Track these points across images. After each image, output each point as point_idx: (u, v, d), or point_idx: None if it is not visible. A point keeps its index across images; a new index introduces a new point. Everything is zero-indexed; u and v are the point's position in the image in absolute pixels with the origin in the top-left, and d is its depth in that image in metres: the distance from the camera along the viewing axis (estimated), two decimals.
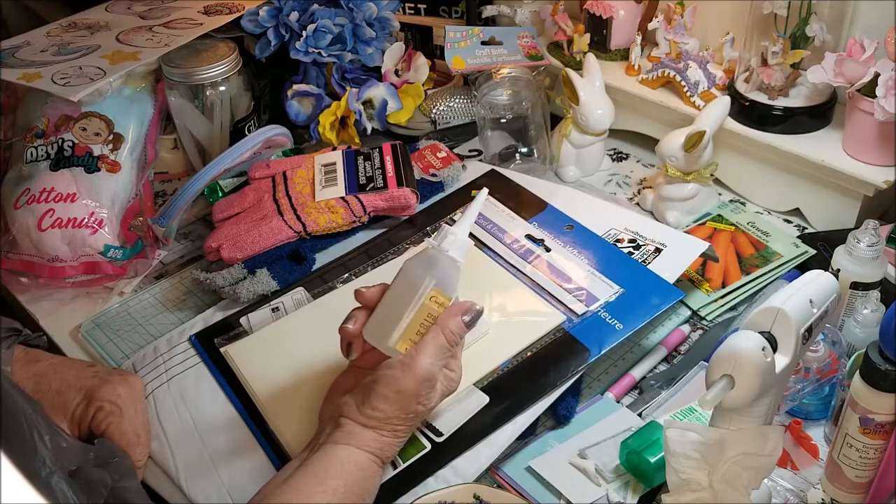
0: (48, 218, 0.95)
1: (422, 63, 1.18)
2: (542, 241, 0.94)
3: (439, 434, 0.75)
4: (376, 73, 1.16)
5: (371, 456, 0.68)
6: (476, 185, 1.05)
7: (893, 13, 0.93)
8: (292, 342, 0.84)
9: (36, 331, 0.90)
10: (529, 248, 0.94)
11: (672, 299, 0.85)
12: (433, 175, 1.06)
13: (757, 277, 0.94)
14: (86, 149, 1.00)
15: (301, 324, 0.87)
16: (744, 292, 0.93)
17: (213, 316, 0.91)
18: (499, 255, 0.93)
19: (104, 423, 0.75)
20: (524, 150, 1.12)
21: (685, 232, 0.99)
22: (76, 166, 0.99)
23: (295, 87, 1.13)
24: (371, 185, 1.00)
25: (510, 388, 0.78)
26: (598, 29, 1.17)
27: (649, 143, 1.13)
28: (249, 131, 1.11)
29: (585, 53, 1.12)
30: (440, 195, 1.05)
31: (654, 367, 0.87)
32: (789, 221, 1.05)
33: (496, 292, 0.88)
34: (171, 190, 1.15)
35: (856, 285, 0.82)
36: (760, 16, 1.01)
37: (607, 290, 0.87)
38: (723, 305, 0.92)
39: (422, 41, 1.31)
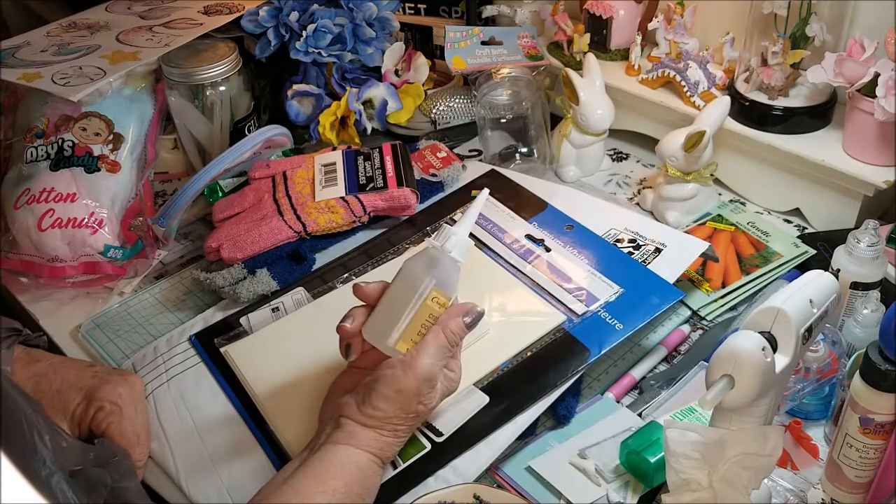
0: (48, 218, 0.95)
1: (422, 63, 1.18)
2: (542, 241, 0.94)
3: (439, 434, 0.75)
4: (376, 73, 1.16)
5: (371, 456, 0.68)
6: (476, 185, 1.05)
7: (893, 13, 0.93)
8: (292, 342, 0.84)
9: (36, 331, 0.90)
10: (529, 248, 0.94)
11: (672, 299, 0.85)
12: (433, 175, 1.06)
13: (757, 277, 0.94)
14: (86, 149, 1.00)
15: (301, 324, 0.87)
16: (744, 292, 0.93)
17: (213, 316, 0.91)
18: (499, 255, 0.93)
19: (104, 422, 0.75)
20: (524, 150, 1.12)
21: (685, 232, 0.99)
22: (76, 166, 0.99)
23: (295, 87, 1.13)
24: (371, 185, 1.00)
25: (510, 388, 0.78)
26: (598, 29, 1.17)
27: (649, 143, 1.13)
28: (249, 131, 1.11)
29: (585, 53, 1.12)
30: (440, 195, 1.05)
31: (654, 367, 0.87)
32: (789, 221, 1.05)
33: (496, 292, 0.88)
34: (171, 190, 1.15)
35: (856, 285, 0.82)
36: (760, 16, 1.01)
37: (607, 290, 0.87)
38: (723, 305, 0.92)
39: (422, 41, 1.31)
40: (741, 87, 1.05)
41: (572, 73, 1.08)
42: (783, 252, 0.97)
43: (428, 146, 1.11)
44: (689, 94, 1.07)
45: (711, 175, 1.02)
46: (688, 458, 0.64)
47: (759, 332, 0.62)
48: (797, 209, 1.04)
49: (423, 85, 1.18)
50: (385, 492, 0.71)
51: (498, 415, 0.77)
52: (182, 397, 0.82)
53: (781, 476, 0.75)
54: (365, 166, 1.03)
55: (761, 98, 1.02)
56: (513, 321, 0.85)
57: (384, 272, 0.92)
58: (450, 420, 0.76)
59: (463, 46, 1.16)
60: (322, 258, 0.97)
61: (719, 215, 1.04)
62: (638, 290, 0.86)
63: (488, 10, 1.24)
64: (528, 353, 0.81)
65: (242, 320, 0.89)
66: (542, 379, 0.79)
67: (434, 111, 1.20)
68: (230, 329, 0.88)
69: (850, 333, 0.81)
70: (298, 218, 0.96)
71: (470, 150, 1.20)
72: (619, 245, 0.93)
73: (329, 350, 0.81)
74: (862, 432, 0.67)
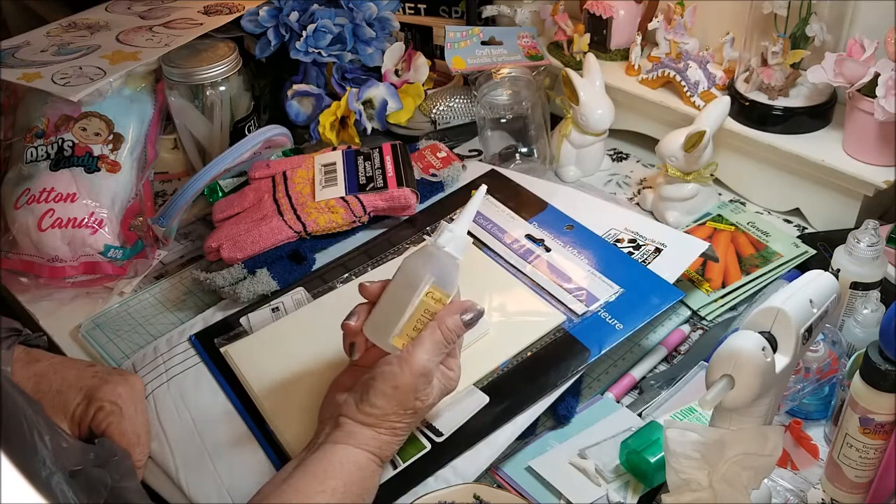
0: (48, 218, 0.95)
1: (422, 63, 1.18)
2: (542, 241, 0.94)
3: (439, 434, 0.75)
4: (376, 73, 1.16)
5: (370, 455, 0.68)
6: (476, 185, 1.05)
7: (893, 13, 0.93)
8: (292, 342, 0.84)
9: (36, 331, 0.90)
10: (529, 248, 0.94)
11: (672, 299, 0.85)
12: (433, 175, 1.06)
13: (757, 277, 0.94)
14: (86, 149, 1.00)
15: (301, 324, 0.87)
16: (744, 292, 0.93)
17: (213, 316, 0.91)
18: (499, 255, 0.93)
19: (104, 422, 0.75)
20: (524, 150, 1.12)
21: (685, 232, 0.99)
22: (76, 166, 0.99)
23: (295, 87, 1.13)
24: (371, 185, 1.00)
25: (510, 388, 0.78)
26: (598, 29, 1.17)
27: (649, 143, 1.13)
28: (249, 131, 1.11)
29: (585, 53, 1.13)
30: (440, 195, 1.05)
31: (654, 367, 0.87)
32: (789, 221, 1.05)
33: (496, 292, 0.88)
34: (171, 190, 1.15)
35: (856, 285, 0.82)
36: (760, 16, 1.01)
37: (607, 290, 0.87)
38: (723, 305, 0.92)
39: (422, 41, 1.31)
40: (741, 87, 1.05)
41: (572, 73, 1.08)
42: (783, 252, 0.97)
43: (428, 146, 1.11)
44: (689, 94, 1.07)
45: (711, 175, 1.02)
46: (688, 458, 0.64)
47: (759, 332, 0.62)
48: (797, 209, 1.04)
49: (423, 85, 1.18)
50: (385, 492, 0.72)
51: (498, 415, 0.77)
52: (182, 397, 0.82)
53: (781, 476, 0.75)
54: (365, 166, 1.03)
55: (761, 98, 1.02)
56: (513, 321, 0.85)
57: (384, 272, 0.92)
58: (450, 420, 0.76)
59: (463, 46, 1.16)
60: (322, 258, 0.97)
61: (719, 215, 1.04)
62: (638, 290, 0.86)
63: (488, 10, 1.24)
64: (528, 353, 0.81)
65: (242, 320, 0.89)
66: (542, 379, 0.79)
67: (434, 111, 1.20)
68: (230, 329, 0.88)
69: (850, 333, 0.81)
70: (298, 218, 0.96)
71: (470, 150, 1.20)
72: (619, 245, 0.93)
73: (329, 350, 0.82)
74: (862, 432, 0.67)
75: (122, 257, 0.98)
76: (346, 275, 0.93)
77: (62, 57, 1.07)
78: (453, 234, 0.71)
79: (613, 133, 1.14)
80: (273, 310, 0.90)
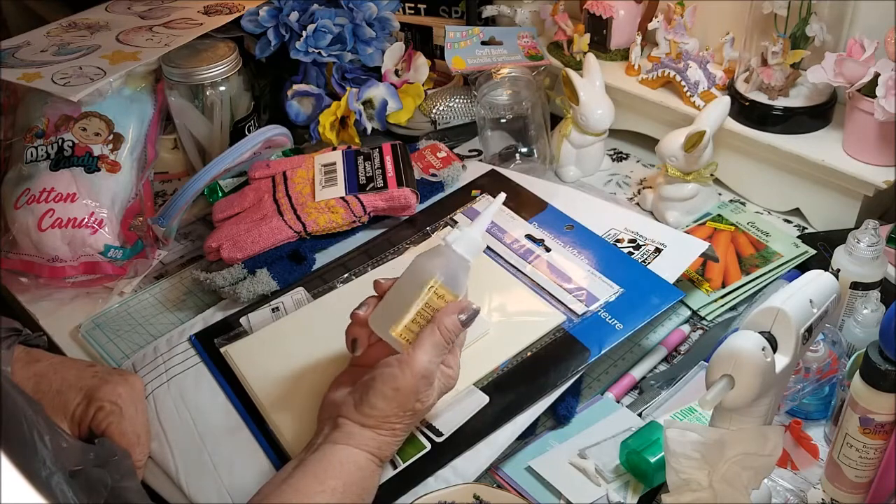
0: (48, 218, 0.95)
1: (422, 63, 1.18)
2: (542, 241, 0.94)
3: (439, 434, 0.75)
4: (376, 73, 1.16)
5: (369, 455, 0.68)
6: (476, 185, 1.05)
7: (893, 13, 0.93)
8: (292, 342, 0.84)
9: (36, 331, 0.90)
10: (529, 248, 0.94)
11: (672, 299, 0.85)
12: (433, 175, 1.06)
13: (757, 277, 0.94)
14: (86, 149, 1.00)
15: (301, 324, 0.87)
16: (744, 292, 0.93)
17: (213, 316, 0.91)
18: (499, 255, 0.93)
19: (104, 422, 0.75)
20: (524, 150, 1.12)
21: (685, 232, 0.99)
22: (76, 166, 0.99)
23: (295, 87, 1.13)
24: (371, 185, 1.00)
25: (510, 388, 0.78)
26: (598, 29, 1.17)
27: (649, 143, 1.13)
28: (249, 131, 1.11)
29: (585, 53, 1.12)
30: (440, 195, 1.05)
31: (654, 367, 0.87)
32: (789, 221, 1.05)
33: (496, 292, 0.88)
34: (171, 190, 1.15)
35: (856, 285, 0.82)
36: (760, 16, 1.01)
37: (607, 290, 0.87)
38: (723, 305, 0.92)
39: (422, 41, 1.31)
40: (741, 87, 1.05)
41: (572, 73, 1.08)
42: (783, 252, 0.97)
43: (428, 146, 1.11)
44: (689, 94, 1.07)
45: (711, 175, 1.02)
46: (688, 458, 0.64)
47: (759, 332, 0.62)
48: (797, 209, 1.04)
49: (423, 85, 1.18)
50: (385, 492, 0.72)
51: (498, 415, 0.76)
52: (182, 397, 0.82)
53: (781, 476, 0.75)
54: (365, 166, 1.03)
55: (761, 98, 1.02)
56: (513, 321, 0.85)
57: (384, 272, 0.92)
58: (450, 420, 0.76)
59: (463, 46, 1.16)
60: (322, 258, 0.97)
61: (719, 215, 1.04)
62: (638, 290, 0.86)
63: (488, 10, 1.24)
64: (528, 353, 0.81)
65: (242, 320, 0.89)
66: (542, 379, 0.79)
67: (434, 111, 1.20)
68: (230, 329, 0.88)
69: (850, 333, 0.81)
70: (298, 218, 0.96)
71: (470, 150, 1.20)
72: (619, 245, 0.93)
73: (329, 350, 0.82)
74: (862, 432, 0.67)
75: (122, 257, 0.98)
76: (346, 275, 0.93)
77: (62, 57, 1.07)
78: (466, 236, 0.71)
79: (613, 133, 1.14)
80: (273, 310, 0.90)
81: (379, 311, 0.71)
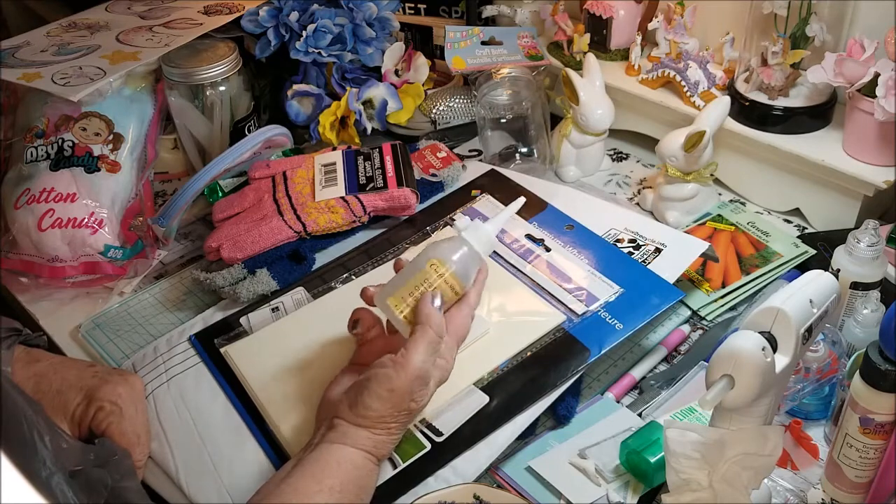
0: (48, 218, 0.95)
1: (422, 63, 1.18)
2: (542, 240, 0.94)
3: (439, 434, 0.75)
4: (376, 73, 1.16)
5: (366, 454, 0.68)
6: (476, 185, 1.05)
7: (893, 13, 0.93)
8: (292, 342, 0.84)
9: (36, 331, 0.90)
10: (529, 247, 0.94)
11: (672, 299, 0.85)
12: (433, 175, 1.06)
13: (757, 277, 0.94)
14: (86, 149, 1.00)
15: (301, 324, 0.87)
16: (744, 292, 0.93)
17: (213, 316, 0.91)
18: (499, 254, 0.93)
19: (104, 422, 0.75)
20: (524, 150, 1.13)
21: (685, 232, 0.99)
22: (76, 166, 0.99)
23: (295, 87, 1.13)
24: (371, 185, 1.00)
25: (510, 388, 0.78)
26: (598, 29, 1.17)
27: (649, 143, 1.13)
28: (249, 131, 1.11)
29: (585, 53, 1.13)
30: (440, 195, 1.05)
31: (654, 367, 0.87)
32: (789, 221, 1.05)
33: (496, 292, 0.88)
34: (171, 190, 1.15)
35: (856, 285, 0.82)
36: (760, 16, 1.01)
37: (607, 290, 0.87)
38: (723, 305, 0.92)
39: (422, 41, 1.31)
40: (741, 87, 1.05)
41: (572, 73, 1.08)
42: (783, 252, 0.97)
43: (428, 146, 1.11)
44: (689, 94, 1.07)
45: (711, 175, 1.02)
46: (688, 458, 0.64)
47: (759, 332, 0.62)
48: (797, 209, 1.04)
49: (423, 85, 1.18)
50: (385, 492, 0.71)
51: (498, 415, 0.76)
52: (182, 397, 0.82)
53: (781, 476, 0.75)
54: (365, 166, 1.03)
55: (761, 98, 1.02)
56: (513, 321, 0.85)
57: (384, 272, 0.92)
58: (450, 420, 0.76)
59: (463, 46, 1.16)
60: (322, 258, 0.97)
61: (719, 215, 1.04)
62: (638, 290, 0.86)
63: (488, 10, 1.24)
64: (528, 353, 0.81)
65: (242, 320, 0.89)
66: (542, 379, 0.79)
67: (434, 111, 1.20)
68: (230, 329, 0.88)
69: (850, 333, 0.81)
70: (298, 218, 0.96)
71: (470, 150, 1.20)
72: (619, 245, 0.93)
73: (329, 350, 0.82)
74: (862, 432, 0.67)
75: (122, 257, 0.98)
76: (346, 275, 0.93)
77: (62, 57, 1.07)
78: (477, 227, 0.74)
79: (613, 133, 1.14)
80: (273, 310, 0.90)
81: (382, 289, 0.73)
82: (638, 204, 1.09)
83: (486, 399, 0.78)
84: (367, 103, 1.13)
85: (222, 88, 1.08)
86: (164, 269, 1.02)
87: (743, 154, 1.05)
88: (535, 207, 0.99)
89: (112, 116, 1.03)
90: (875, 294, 0.82)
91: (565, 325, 0.84)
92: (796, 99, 1.02)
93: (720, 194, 1.08)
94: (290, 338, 0.85)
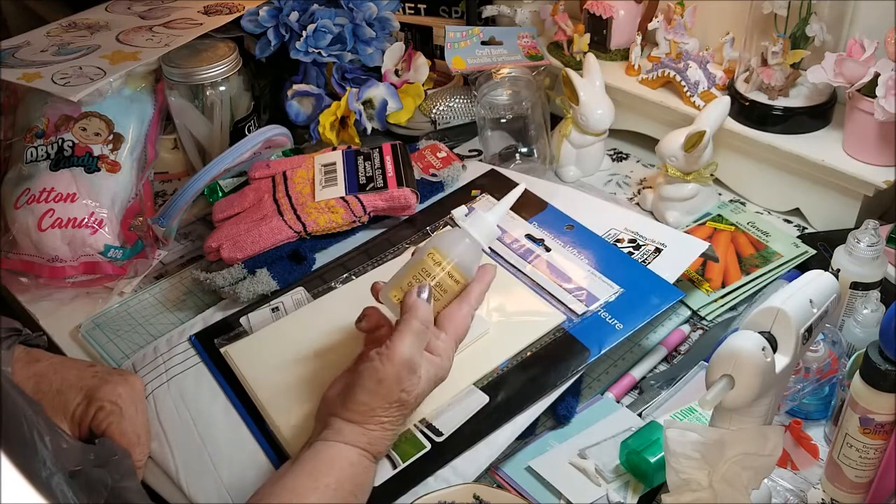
0: (48, 218, 0.95)
1: (422, 63, 1.18)
2: (542, 240, 0.94)
3: (439, 434, 0.75)
4: (376, 73, 1.16)
5: (361, 451, 0.68)
6: (476, 185, 1.05)
7: (893, 13, 0.93)
8: (292, 342, 0.84)
9: (36, 331, 0.90)
10: (529, 247, 0.94)
11: (672, 299, 0.85)
12: (433, 175, 1.06)
13: (757, 277, 0.94)
14: (86, 149, 1.00)
15: (301, 324, 0.87)
16: (744, 292, 0.93)
17: (213, 316, 0.91)
18: (499, 254, 0.93)
19: (105, 422, 0.75)
20: (524, 150, 1.13)
21: (685, 232, 0.99)
22: (76, 166, 0.99)
23: (295, 87, 1.13)
24: (371, 185, 1.00)
25: (510, 388, 0.78)
26: (598, 29, 1.17)
27: (649, 143, 1.13)
28: (249, 131, 1.11)
29: (585, 53, 1.13)
30: (440, 195, 1.05)
31: (654, 367, 0.87)
32: (789, 221, 1.05)
33: (496, 292, 0.87)
34: (171, 190, 1.15)
35: (856, 285, 0.82)
36: (760, 16, 1.01)
37: (607, 290, 0.87)
38: (723, 305, 0.92)
39: (422, 41, 1.31)
40: (741, 87, 1.05)
41: (572, 73, 1.08)
42: (783, 252, 0.97)
43: (428, 146, 1.11)
44: (689, 94, 1.07)
45: (711, 175, 1.02)
46: (688, 458, 0.64)
47: (759, 332, 0.62)
48: (797, 209, 1.04)
49: (423, 85, 1.18)
50: (385, 492, 0.71)
51: (498, 415, 0.76)
52: (182, 397, 0.82)
53: (781, 476, 0.75)
54: (365, 166, 1.03)
55: (761, 98, 1.02)
56: (512, 321, 0.85)
57: (384, 272, 0.92)
58: (450, 420, 0.76)
59: (463, 46, 1.16)
60: (322, 258, 0.97)
61: (719, 215, 1.04)
62: (638, 290, 0.86)
63: (488, 10, 1.24)
64: (528, 353, 0.81)
65: (242, 320, 0.89)
66: (542, 379, 0.79)
67: (434, 111, 1.20)
68: (230, 329, 0.88)
69: (850, 333, 0.81)
70: (298, 218, 0.96)
71: (470, 150, 1.20)
72: (619, 245, 0.93)
73: (329, 350, 0.82)
74: (862, 432, 0.67)
75: (122, 257, 0.98)
76: (346, 275, 0.93)
77: (62, 57, 1.07)
78: (477, 216, 0.74)
79: (613, 133, 1.14)
80: (273, 310, 0.90)
81: (386, 283, 0.74)
82: (638, 204, 1.09)
83: (486, 399, 0.78)
84: (367, 103, 1.13)
85: (222, 88, 1.08)
86: (164, 269, 1.02)
87: (743, 154, 1.05)
88: (535, 207, 0.99)
89: (112, 116, 1.03)
90: (875, 294, 0.82)
91: (565, 325, 0.84)
92: (796, 99, 1.02)
93: (720, 194, 1.08)
94: (290, 338, 0.85)
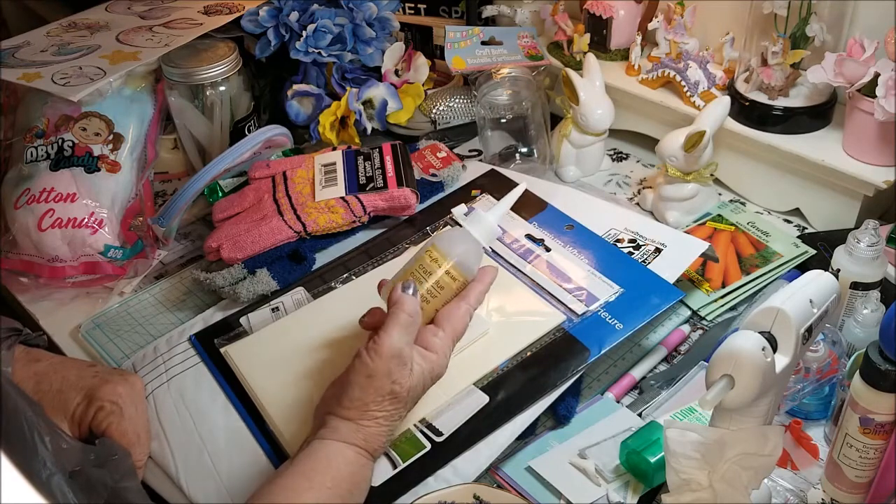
0: (48, 218, 0.95)
1: (422, 63, 1.18)
2: (542, 240, 0.94)
3: (439, 434, 0.75)
4: (376, 73, 1.16)
5: (357, 449, 0.68)
6: (476, 185, 1.05)
7: (893, 13, 0.93)
8: (292, 342, 0.84)
9: (36, 331, 0.90)
10: (529, 247, 0.94)
11: (672, 299, 0.85)
12: (433, 175, 1.06)
13: (757, 277, 0.94)
14: (86, 149, 1.00)
15: (301, 324, 0.87)
16: (744, 292, 0.93)
17: (213, 316, 0.91)
18: (499, 254, 0.93)
19: (105, 422, 0.75)
20: (524, 150, 1.13)
21: (685, 232, 0.99)
22: (76, 166, 0.99)
23: (295, 87, 1.13)
24: (371, 185, 1.00)
25: (510, 388, 0.78)
26: (598, 29, 1.17)
27: (649, 143, 1.13)
28: (249, 131, 1.11)
29: (585, 53, 1.13)
30: (440, 195, 1.05)
31: (654, 367, 0.87)
32: (789, 221, 1.05)
33: (496, 292, 0.87)
34: (171, 190, 1.15)
35: (856, 285, 0.82)
36: (760, 16, 1.01)
37: (607, 290, 0.87)
38: (723, 305, 0.92)
39: (422, 41, 1.31)
40: (741, 87, 1.05)
41: (572, 73, 1.08)
42: (783, 252, 0.97)
43: (428, 146, 1.11)
44: (689, 94, 1.07)
45: (711, 175, 1.02)
46: (688, 458, 0.64)
47: (759, 332, 0.62)
48: (797, 209, 1.04)
49: (423, 85, 1.18)
50: (385, 492, 0.71)
51: (498, 415, 0.76)
52: (182, 397, 0.82)
53: (781, 476, 0.75)
54: (365, 166, 1.03)
55: (761, 98, 1.02)
56: (512, 321, 0.85)
57: (384, 272, 0.92)
58: (450, 420, 0.76)
59: (463, 46, 1.16)
60: (322, 258, 0.97)
61: (719, 215, 1.04)
62: (638, 290, 0.86)
63: (488, 10, 1.24)
64: (528, 353, 0.81)
65: (242, 320, 0.89)
66: (542, 379, 0.79)
67: (434, 111, 1.20)
68: (230, 329, 0.88)
69: (850, 333, 0.81)
70: (298, 218, 0.96)
71: (470, 150, 1.20)
72: (619, 245, 0.93)
73: (329, 350, 0.82)
74: (862, 432, 0.67)
75: (122, 257, 0.98)
76: (346, 275, 0.93)
77: (62, 57, 1.07)
78: (478, 216, 0.74)
79: (613, 133, 1.14)
80: (273, 310, 0.90)
81: (389, 280, 0.74)
82: (638, 204, 1.09)
83: (486, 399, 0.78)
84: (367, 103, 1.13)
85: (222, 88, 1.08)
86: (164, 269, 1.02)
87: (743, 154, 1.05)
88: (535, 207, 0.99)
89: (112, 116, 1.03)
90: (875, 294, 0.82)
91: (565, 325, 0.84)
92: (796, 99, 1.02)
93: (720, 194, 1.08)
94: (290, 338, 0.85)
